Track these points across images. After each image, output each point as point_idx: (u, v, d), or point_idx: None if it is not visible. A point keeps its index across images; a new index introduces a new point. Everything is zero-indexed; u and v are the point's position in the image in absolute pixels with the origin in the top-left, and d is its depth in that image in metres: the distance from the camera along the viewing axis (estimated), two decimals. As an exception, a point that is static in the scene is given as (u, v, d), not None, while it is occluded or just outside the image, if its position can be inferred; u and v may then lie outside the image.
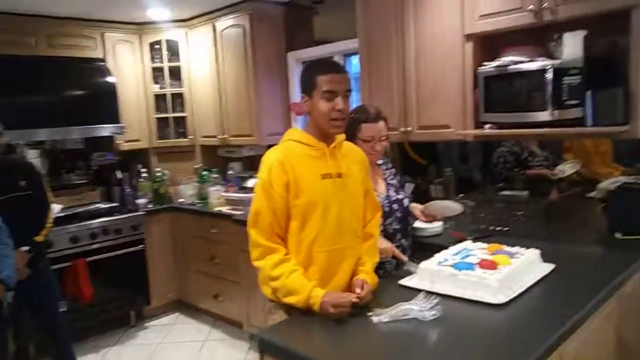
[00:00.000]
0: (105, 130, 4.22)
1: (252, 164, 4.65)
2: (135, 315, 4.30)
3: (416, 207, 2.52)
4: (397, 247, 2.27)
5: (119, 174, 4.47)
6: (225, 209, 4.03)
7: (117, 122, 4.27)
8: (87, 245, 3.86)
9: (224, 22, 4.23)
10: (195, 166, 4.72)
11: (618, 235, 2.36)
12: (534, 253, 1.96)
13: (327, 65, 1.85)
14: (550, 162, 3.13)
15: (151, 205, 4.45)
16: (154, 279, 4.32)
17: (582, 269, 2.05)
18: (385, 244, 2.19)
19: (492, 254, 1.94)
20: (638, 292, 2.13)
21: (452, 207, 2.46)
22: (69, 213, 3.95)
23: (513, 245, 2.03)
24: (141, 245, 4.18)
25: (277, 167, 1.76)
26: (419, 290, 1.77)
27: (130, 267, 4.11)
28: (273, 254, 1.76)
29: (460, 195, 3.00)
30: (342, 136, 1.91)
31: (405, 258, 2.18)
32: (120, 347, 3.94)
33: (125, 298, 4.14)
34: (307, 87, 1.81)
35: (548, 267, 1.94)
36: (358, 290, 1.69)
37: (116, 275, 4.03)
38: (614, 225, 2.39)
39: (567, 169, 2.92)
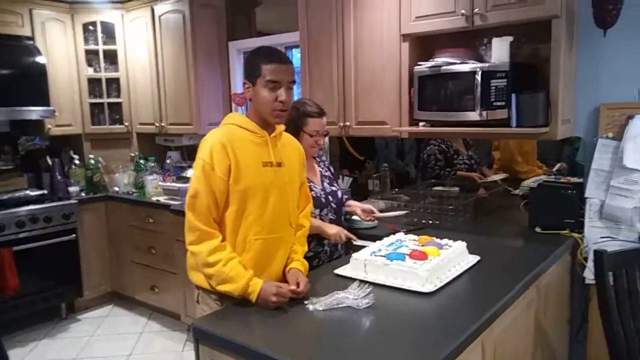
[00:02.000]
0: (33, 113, 4.00)
1: (190, 154, 4.59)
2: (67, 307, 4.15)
3: (356, 206, 2.60)
4: None
5: (48, 160, 4.28)
6: (162, 199, 3.97)
7: (47, 105, 4.07)
8: (14, 234, 3.67)
9: (163, 7, 4.13)
10: (132, 154, 4.59)
11: (538, 230, 2.53)
12: (461, 245, 2.07)
13: (273, 55, 1.79)
14: (474, 162, 3.32)
15: (84, 194, 4.30)
16: (86, 270, 4.19)
17: (505, 260, 2.19)
18: (335, 228, 2.29)
19: (423, 245, 2.04)
20: (554, 282, 2.32)
21: (399, 215, 2.61)
22: (-6, 200, 3.76)
23: (442, 238, 2.14)
24: (73, 235, 4.02)
25: (219, 149, 1.73)
26: (353, 279, 1.84)
27: (61, 257, 3.95)
28: (210, 239, 1.74)
29: (396, 190, 3.11)
30: (282, 126, 1.93)
31: (354, 238, 2.30)
32: (49, 340, 3.80)
33: (55, 289, 3.97)
34: (251, 74, 1.78)
35: (474, 259, 2.06)
36: (294, 287, 1.72)
37: (46, 266, 3.87)
38: (534, 220, 2.57)
39: (495, 178, 3.18)
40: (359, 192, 3.31)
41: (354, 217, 2.66)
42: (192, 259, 1.84)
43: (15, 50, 4.02)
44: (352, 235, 2.33)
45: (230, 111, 4.23)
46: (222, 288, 1.73)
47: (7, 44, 3.99)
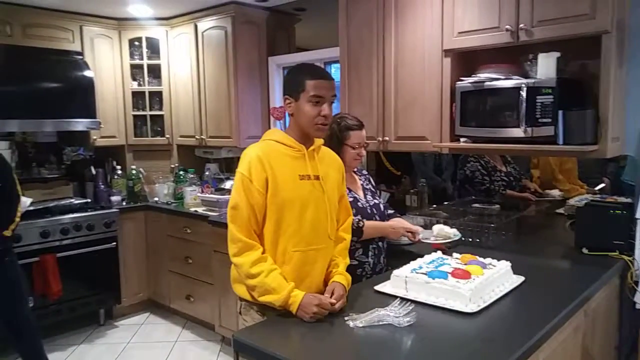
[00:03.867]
0: (80, 124, 4.14)
1: (229, 166, 4.65)
2: (105, 313, 4.24)
3: (402, 224, 2.46)
4: (374, 248, 2.35)
5: (93, 170, 4.41)
6: (200, 210, 4.02)
7: (93, 117, 4.21)
8: (58, 241, 3.79)
9: (206, 23, 4.23)
10: (172, 165, 4.69)
11: (585, 251, 2.43)
12: (505, 265, 2.01)
13: (316, 71, 1.85)
14: (513, 178, 3.24)
15: (125, 203, 4.40)
16: (125, 278, 4.28)
17: (551, 282, 2.12)
18: (395, 225, 2.37)
19: (466, 264, 2.00)
20: (602, 307, 2.22)
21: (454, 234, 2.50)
22: (40, 207, 3.88)
23: (485, 257, 2.09)
24: (114, 243, 4.12)
25: (256, 163, 1.78)
26: (394, 296, 1.82)
27: (101, 264, 4.06)
28: (251, 250, 1.77)
29: (433, 206, 3.07)
30: (321, 140, 1.95)
31: (416, 230, 2.36)
32: (88, 345, 3.88)
33: (95, 296, 4.08)
34: (294, 89, 1.82)
35: (518, 279, 2.00)
36: (333, 300, 1.72)
37: (86, 273, 3.97)
38: (580, 241, 2.47)
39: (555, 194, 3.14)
40: (396, 208, 3.26)
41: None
42: (235, 272, 1.87)
43: (66, 64, 4.19)
44: (413, 227, 2.39)
45: (269, 124, 4.28)
46: (264, 299, 1.75)
47: (59, 58, 4.17)
